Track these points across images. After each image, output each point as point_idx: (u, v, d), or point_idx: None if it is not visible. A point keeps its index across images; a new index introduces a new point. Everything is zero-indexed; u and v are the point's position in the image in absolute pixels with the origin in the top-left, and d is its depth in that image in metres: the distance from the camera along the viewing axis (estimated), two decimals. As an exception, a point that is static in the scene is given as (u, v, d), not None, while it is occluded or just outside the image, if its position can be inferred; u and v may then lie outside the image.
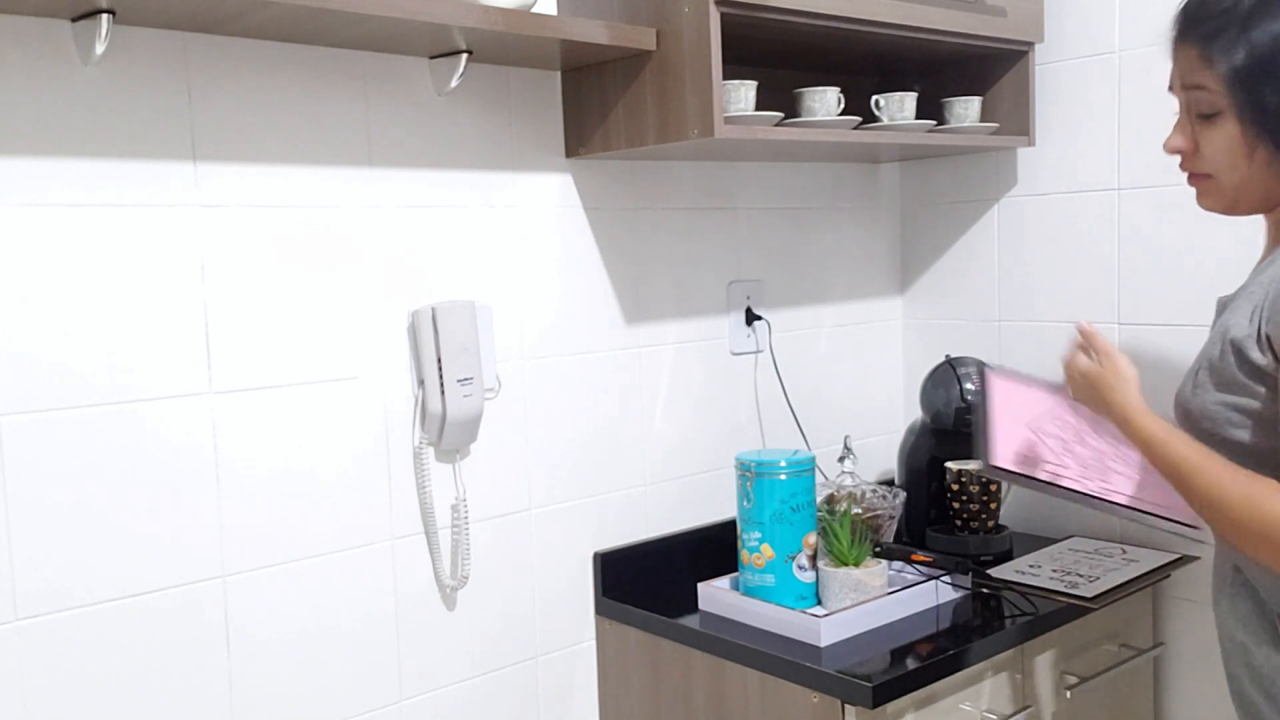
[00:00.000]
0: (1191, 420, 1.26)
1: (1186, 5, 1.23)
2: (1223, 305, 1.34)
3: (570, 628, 1.85)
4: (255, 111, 1.49)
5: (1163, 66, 1.29)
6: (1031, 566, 1.88)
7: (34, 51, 1.32)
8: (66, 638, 1.37)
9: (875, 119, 1.92)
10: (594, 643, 1.89)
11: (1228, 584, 1.31)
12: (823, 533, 1.71)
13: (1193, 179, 1.29)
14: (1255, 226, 1.35)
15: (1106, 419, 1.35)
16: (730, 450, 2.01)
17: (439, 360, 1.62)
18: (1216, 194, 1.27)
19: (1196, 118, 1.24)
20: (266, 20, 1.38)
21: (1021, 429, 1.45)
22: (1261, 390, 1.19)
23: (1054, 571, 1.85)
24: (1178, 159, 1.29)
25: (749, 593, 1.72)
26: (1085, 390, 1.37)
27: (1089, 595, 1.73)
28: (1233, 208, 1.28)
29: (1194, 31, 1.21)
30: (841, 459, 1.92)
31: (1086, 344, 1.39)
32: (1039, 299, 2.14)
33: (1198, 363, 1.28)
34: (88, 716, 1.39)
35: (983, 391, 1.48)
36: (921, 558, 1.67)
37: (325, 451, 1.57)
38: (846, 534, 1.69)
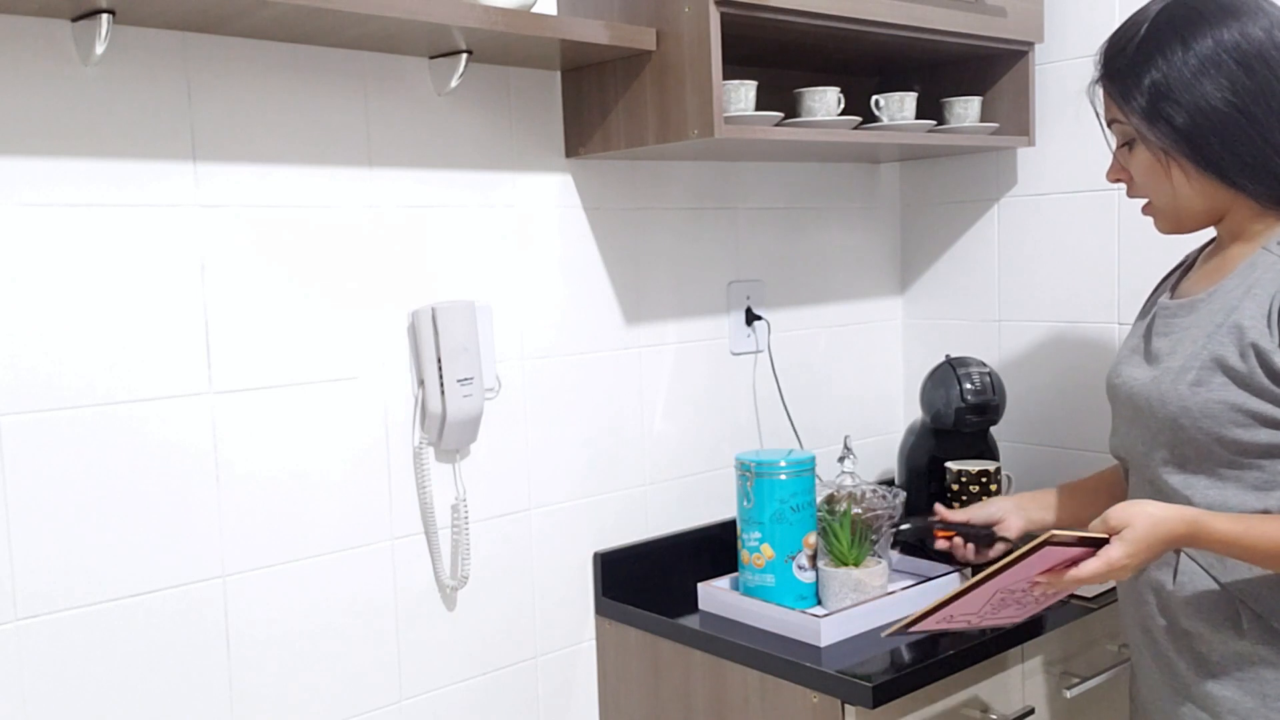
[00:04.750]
0: (1189, 417, 1.26)
1: (1101, 51, 1.36)
2: (1181, 308, 1.35)
3: (570, 628, 1.85)
4: (255, 111, 1.49)
5: None
6: (1031, 566, 1.88)
7: (34, 51, 1.32)
8: (66, 638, 1.38)
9: (875, 119, 1.92)
10: (594, 643, 1.88)
11: (1174, 569, 1.32)
12: (823, 533, 1.71)
13: (1143, 208, 1.40)
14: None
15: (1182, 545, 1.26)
16: (730, 450, 2.00)
17: (439, 360, 1.62)
18: (1158, 214, 1.38)
19: (1121, 148, 1.36)
20: (266, 20, 1.38)
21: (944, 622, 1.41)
22: None
23: (1054, 571, 1.85)
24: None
25: (749, 593, 1.72)
26: (1133, 562, 1.23)
27: (1089, 595, 1.73)
28: (1179, 225, 1.37)
29: (1102, 74, 1.35)
30: (841, 459, 1.92)
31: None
32: (1039, 299, 2.14)
33: (1188, 359, 1.29)
34: (88, 716, 1.39)
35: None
36: (945, 533, 1.64)
37: (325, 451, 1.57)
38: (846, 534, 1.69)
